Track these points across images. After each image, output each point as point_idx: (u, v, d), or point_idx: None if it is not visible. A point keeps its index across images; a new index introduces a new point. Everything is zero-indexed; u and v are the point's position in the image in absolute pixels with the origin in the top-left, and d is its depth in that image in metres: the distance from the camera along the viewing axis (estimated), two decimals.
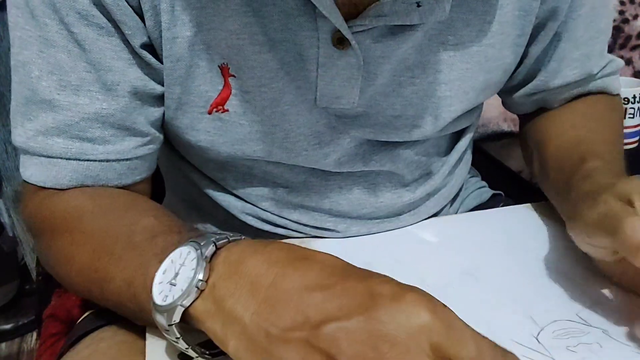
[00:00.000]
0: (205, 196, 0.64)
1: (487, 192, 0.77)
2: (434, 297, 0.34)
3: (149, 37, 0.51)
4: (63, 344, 0.57)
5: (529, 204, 0.66)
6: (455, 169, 0.69)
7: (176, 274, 0.39)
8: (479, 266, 0.54)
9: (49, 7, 0.48)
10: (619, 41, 1.26)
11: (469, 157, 0.73)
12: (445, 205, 0.70)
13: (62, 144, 0.51)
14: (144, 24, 0.50)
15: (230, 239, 0.40)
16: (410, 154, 0.62)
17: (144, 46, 0.51)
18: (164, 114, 0.55)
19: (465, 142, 0.68)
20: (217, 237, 0.40)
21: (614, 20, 1.25)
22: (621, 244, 0.43)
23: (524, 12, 0.57)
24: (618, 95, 0.69)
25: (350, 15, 0.50)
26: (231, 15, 0.50)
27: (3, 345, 1.43)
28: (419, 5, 0.50)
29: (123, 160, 0.53)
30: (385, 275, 0.36)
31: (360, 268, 0.37)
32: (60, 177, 0.51)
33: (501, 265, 0.54)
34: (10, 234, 1.13)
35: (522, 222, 0.62)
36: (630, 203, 0.45)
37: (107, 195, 0.52)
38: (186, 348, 0.39)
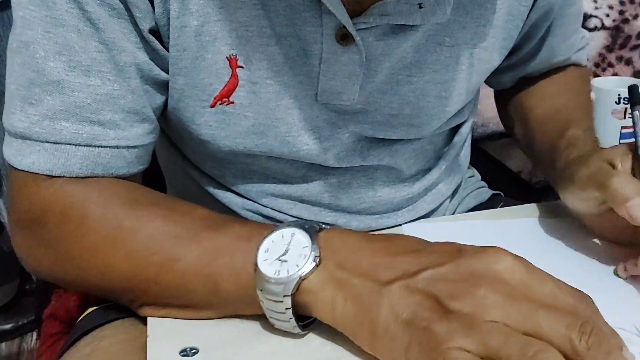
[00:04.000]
0: (205, 193, 0.64)
1: (486, 192, 0.78)
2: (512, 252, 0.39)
3: (156, 24, 0.50)
4: (63, 343, 0.57)
5: (529, 205, 0.66)
6: (453, 164, 0.70)
7: (284, 252, 0.43)
8: None
9: None
10: (619, 41, 1.26)
11: (467, 152, 0.74)
12: (444, 202, 0.71)
13: (72, 128, 0.48)
14: (153, 10, 0.50)
15: (323, 224, 0.46)
16: (408, 149, 0.62)
17: (151, 31, 0.50)
18: (164, 103, 0.55)
19: (461, 137, 0.69)
20: (312, 223, 0.45)
21: (614, 21, 1.25)
22: (609, 196, 0.49)
23: (512, 17, 0.60)
24: (586, 65, 0.78)
25: (354, 13, 0.51)
26: (241, 7, 0.50)
27: (3, 345, 1.42)
28: (421, 7, 0.52)
29: (132, 147, 0.51)
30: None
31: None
32: (70, 164, 0.49)
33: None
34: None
35: (527, 222, 0.62)
36: (613, 165, 0.52)
37: (144, 188, 0.52)
38: (290, 318, 0.42)
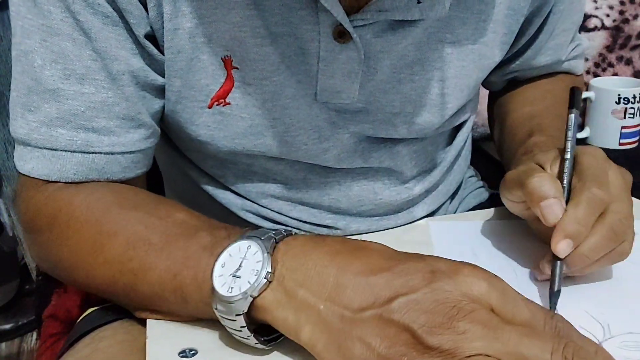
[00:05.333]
0: (204, 193, 0.64)
1: (486, 192, 0.78)
2: (487, 270, 0.38)
3: (151, 28, 0.51)
4: (63, 343, 0.57)
5: None
6: (454, 165, 0.70)
7: (239, 267, 0.40)
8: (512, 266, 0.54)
9: None
10: (619, 41, 1.26)
11: (467, 153, 0.73)
12: (444, 203, 0.71)
13: (67, 135, 0.50)
14: (147, 14, 0.50)
15: (286, 233, 0.43)
16: (409, 150, 0.62)
17: (147, 37, 0.51)
18: (163, 107, 0.55)
19: (462, 137, 0.69)
20: (274, 232, 0.42)
21: (614, 21, 1.25)
22: (527, 195, 0.49)
23: (513, 11, 0.59)
24: (581, 75, 0.76)
25: (351, 10, 0.51)
26: (234, 7, 0.50)
27: (3, 345, 1.42)
28: (419, 2, 0.52)
29: (127, 153, 0.52)
30: (435, 256, 0.40)
31: (409, 252, 0.40)
32: (65, 170, 0.50)
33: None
34: (10, 234, 1.13)
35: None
36: (543, 168, 0.52)
37: (129, 190, 0.52)
38: (248, 336, 0.41)
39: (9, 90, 0.52)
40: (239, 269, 0.40)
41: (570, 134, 0.53)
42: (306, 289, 0.39)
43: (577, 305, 0.48)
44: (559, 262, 0.48)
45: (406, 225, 0.65)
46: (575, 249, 0.47)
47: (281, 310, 0.39)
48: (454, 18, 0.56)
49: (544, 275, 0.49)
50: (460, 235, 0.61)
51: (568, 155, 0.51)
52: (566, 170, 0.51)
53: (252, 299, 0.39)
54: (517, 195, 0.52)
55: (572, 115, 0.54)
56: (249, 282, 0.39)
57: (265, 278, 0.39)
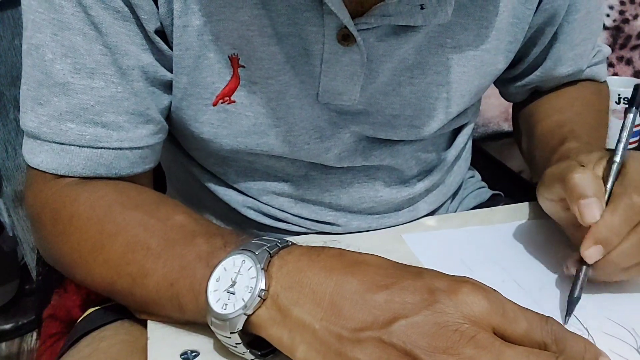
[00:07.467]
0: (206, 190, 0.64)
1: (486, 192, 0.78)
2: (484, 284, 0.37)
3: (161, 24, 0.51)
4: (63, 343, 0.57)
5: (530, 203, 0.66)
6: (454, 165, 0.70)
7: (233, 283, 0.40)
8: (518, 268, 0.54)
9: None
10: (619, 41, 1.26)
11: (468, 153, 0.74)
12: (445, 202, 0.71)
13: (76, 129, 0.50)
14: (158, 10, 0.50)
15: (281, 245, 0.41)
16: (409, 150, 0.62)
17: (157, 32, 0.51)
18: (171, 102, 0.56)
19: (463, 138, 0.69)
20: (269, 244, 0.41)
21: (614, 21, 1.25)
22: (567, 191, 0.48)
23: (517, 20, 0.59)
24: (605, 82, 0.74)
25: (355, 14, 0.51)
26: (242, 6, 0.51)
27: (3, 345, 1.42)
28: (422, 8, 0.52)
29: (135, 148, 0.52)
30: (433, 270, 0.39)
31: (407, 265, 0.40)
32: (74, 164, 0.51)
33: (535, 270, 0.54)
34: (10, 234, 1.13)
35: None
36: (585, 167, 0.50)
37: (133, 189, 0.52)
38: (244, 352, 0.40)
39: (9, 90, 0.52)
40: (233, 285, 0.40)
41: (624, 135, 0.49)
42: (301, 307, 0.38)
43: (598, 313, 0.47)
44: (584, 267, 0.46)
45: (380, 231, 0.63)
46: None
47: (276, 328, 0.39)
48: (455, 24, 0.56)
49: (570, 272, 0.48)
50: (442, 246, 0.59)
51: (618, 158, 0.49)
52: (612, 173, 0.49)
53: (246, 317, 0.39)
54: (556, 192, 0.50)
55: (631, 115, 0.49)
56: (243, 299, 0.39)
57: (259, 296, 0.39)
